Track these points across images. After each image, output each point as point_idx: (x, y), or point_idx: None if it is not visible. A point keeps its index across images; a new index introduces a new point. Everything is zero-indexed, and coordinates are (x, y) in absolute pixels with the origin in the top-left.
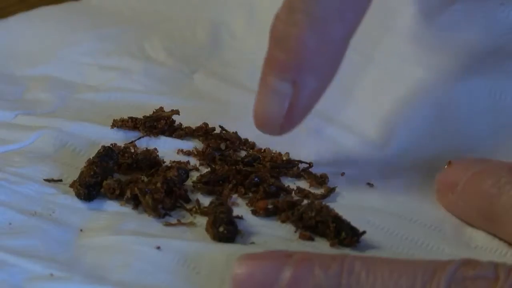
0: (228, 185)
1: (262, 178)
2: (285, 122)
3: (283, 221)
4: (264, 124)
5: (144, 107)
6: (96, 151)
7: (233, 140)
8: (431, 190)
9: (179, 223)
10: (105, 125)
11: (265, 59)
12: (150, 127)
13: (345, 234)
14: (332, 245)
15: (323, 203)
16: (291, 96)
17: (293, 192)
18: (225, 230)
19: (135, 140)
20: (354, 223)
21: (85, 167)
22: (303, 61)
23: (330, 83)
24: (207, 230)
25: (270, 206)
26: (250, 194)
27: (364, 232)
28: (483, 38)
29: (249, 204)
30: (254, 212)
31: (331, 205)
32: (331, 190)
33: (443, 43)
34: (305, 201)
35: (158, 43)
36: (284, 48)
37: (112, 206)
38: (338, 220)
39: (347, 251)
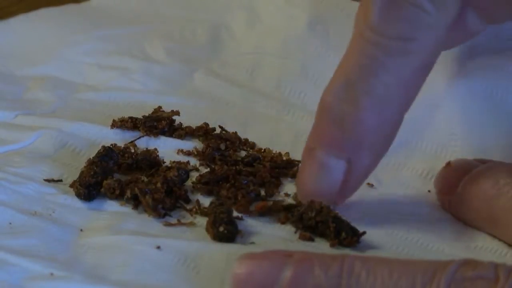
0: (227, 185)
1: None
2: (337, 197)
3: (283, 223)
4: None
5: (144, 107)
6: (96, 151)
7: (233, 140)
8: (431, 190)
9: (179, 223)
10: (105, 125)
11: (314, 133)
12: (150, 127)
13: (345, 234)
14: (332, 245)
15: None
16: (345, 173)
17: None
18: (225, 230)
19: (135, 140)
20: (354, 223)
21: (85, 167)
22: (361, 140)
23: (384, 155)
24: (207, 230)
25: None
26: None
27: (364, 233)
28: (487, 41)
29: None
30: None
31: (332, 205)
32: None
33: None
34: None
35: (158, 43)
36: (340, 126)
37: (112, 206)
38: (338, 220)
39: (347, 251)
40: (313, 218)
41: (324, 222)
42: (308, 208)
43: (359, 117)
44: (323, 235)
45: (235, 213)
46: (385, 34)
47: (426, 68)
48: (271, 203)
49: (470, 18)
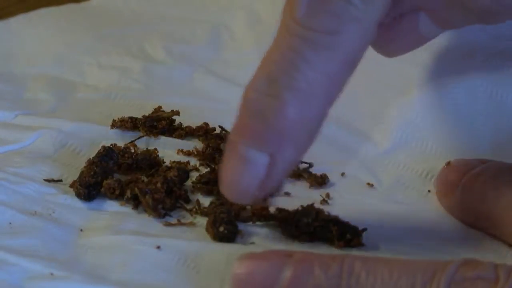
0: None
1: None
2: (258, 192)
3: (283, 233)
4: (236, 194)
5: (144, 107)
6: (96, 151)
7: None
8: (431, 190)
9: (179, 223)
10: (105, 125)
11: (236, 126)
12: (150, 127)
13: (350, 235)
14: (338, 247)
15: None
16: (267, 167)
17: None
18: (225, 229)
19: (135, 140)
20: (354, 224)
21: (85, 167)
22: (283, 135)
23: (307, 150)
24: (207, 230)
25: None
26: None
27: (365, 229)
28: (487, 41)
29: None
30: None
31: (332, 205)
32: None
33: (444, 44)
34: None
35: (158, 43)
36: (262, 120)
37: (112, 206)
38: (339, 222)
39: (348, 251)
40: (311, 224)
41: (323, 227)
42: (303, 214)
43: (282, 112)
44: (323, 239)
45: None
46: (310, 27)
47: (351, 63)
48: (267, 205)
49: (423, 22)
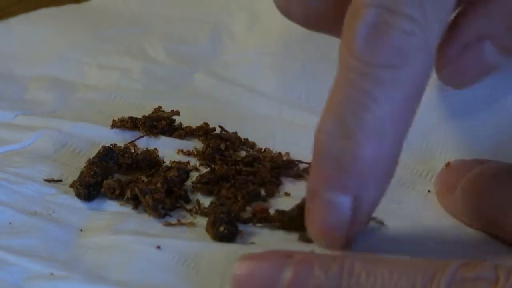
0: (226, 184)
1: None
2: (348, 233)
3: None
4: (328, 239)
5: (144, 107)
6: (96, 151)
7: (233, 140)
8: (431, 190)
9: (179, 223)
10: (105, 125)
11: (314, 174)
12: (150, 127)
13: None
14: None
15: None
16: (352, 209)
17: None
18: (225, 229)
19: (135, 140)
20: None
21: (85, 167)
22: (363, 176)
23: (389, 184)
24: (207, 230)
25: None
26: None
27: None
28: None
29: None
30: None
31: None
32: None
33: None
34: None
35: (158, 43)
36: (338, 164)
37: (112, 206)
38: None
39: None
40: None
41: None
42: (298, 210)
43: (356, 154)
44: None
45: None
46: (372, 63)
47: (419, 93)
48: (267, 206)
49: (488, 51)
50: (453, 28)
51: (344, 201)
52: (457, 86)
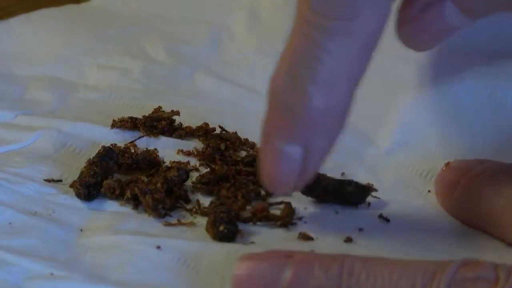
0: (226, 184)
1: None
2: (298, 181)
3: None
4: (277, 187)
5: (144, 107)
6: (96, 151)
7: (233, 140)
8: (431, 190)
9: (179, 223)
10: (105, 125)
11: (267, 121)
12: (150, 127)
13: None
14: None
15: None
16: (302, 158)
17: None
18: (225, 229)
19: (135, 140)
20: (354, 222)
21: (85, 167)
22: (313, 126)
23: (339, 136)
24: (207, 229)
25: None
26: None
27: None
28: (487, 41)
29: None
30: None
31: (330, 204)
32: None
33: (444, 43)
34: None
35: (158, 43)
36: (290, 113)
37: (112, 206)
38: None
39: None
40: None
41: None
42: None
43: (308, 104)
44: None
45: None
46: (325, 15)
47: (371, 46)
48: (267, 206)
49: (449, 11)
50: None
51: (295, 150)
52: (417, 46)
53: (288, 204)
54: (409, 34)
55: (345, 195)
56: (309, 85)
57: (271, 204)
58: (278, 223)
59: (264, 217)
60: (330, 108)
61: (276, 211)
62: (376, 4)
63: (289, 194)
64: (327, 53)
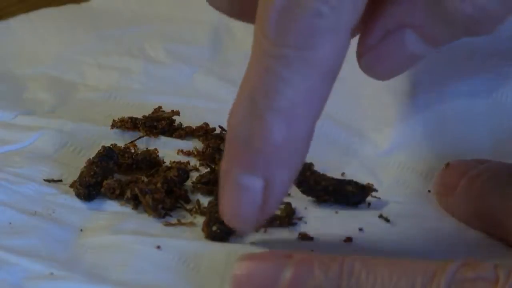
0: None
1: None
2: (260, 216)
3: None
4: (238, 222)
5: (144, 107)
6: (96, 151)
7: None
8: (431, 190)
9: (179, 223)
10: (105, 125)
11: (226, 154)
12: (150, 127)
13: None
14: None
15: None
16: (263, 191)
17: None
18: (218, 229)
19: (135, 140)
20: (353, 223)
21: (85, 167)
22: (273, 158)
23: (300, 167)
24: (203, 229)
25: None
26: None
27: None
28: (487, 41)
29: None
30: None
31: (330, 204)
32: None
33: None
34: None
35: (158, 43)
36: (249, 146)
37: (112, 206)
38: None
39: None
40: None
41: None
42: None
43: (267, 136)
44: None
45: None
46: (282, 45)
47: (331, 75)
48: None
49: (410, 39)
50: (372, 14)
51: (254, 184)
52: (378, 76)
53: (288, 204)
54: (370, 63)
55: (345, 195)
56: (268, 117)
57: None
58: (277, 222)
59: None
60: (290, 139)
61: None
62: (334, 33)
63: (251, 231)
64: (285, 83)
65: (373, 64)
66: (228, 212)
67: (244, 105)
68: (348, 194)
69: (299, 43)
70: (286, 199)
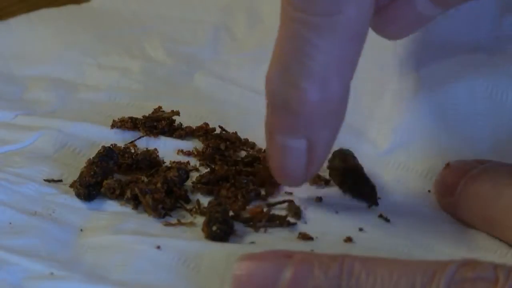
0: (226, 184)
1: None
2: (307, 172)
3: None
4: (288, 180)
5: (144, 107)
6: (96, 151)
7: (233, 140)
8: (431, 190)
9: (179, 223)
10: (105, 125)
11: (268, 118)
12: (150, 127)
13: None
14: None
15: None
16: (307, 150)
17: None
18: (218, 229)
19: (135, 140)
20: (354, 222)
21: (85, 167)
22: (312, 119)
23: (341, 125)
24: (202, 229)
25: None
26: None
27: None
28: (487, 41)
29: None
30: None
31: (332, 204)
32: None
33: (444, 44)
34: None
35: (158, 43)
36: (288, 109)
37: (112, 206)
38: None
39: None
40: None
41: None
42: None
43: (303, 99)
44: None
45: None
46: (309, 11)
47: (359, 38)
48: (264, 208)
49: (419, 1)
50: None
51: (299, 144)
52: (389, 35)
53: (292, 203)
54: (381, 24)
55: (362, 194)
56: (303, 81)
57: (272, 204)
58: (277, 222)
59: (268, 219)
60: (326, 100)
61: (277, 211)
62: None
63: (299, 185)
64: (315, 48)
65: (384, 24)
66: (277, 172)
67: (279, 71)
68: (364, 194)
69: (325, 9)
70: (287, 198)
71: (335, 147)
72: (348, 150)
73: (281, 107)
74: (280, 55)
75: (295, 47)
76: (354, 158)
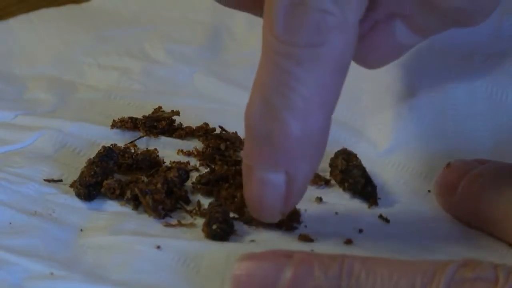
0: (226, 185)
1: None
2: (284, 207)
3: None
4: (265, 215)
5: (144, 107)
6: (96, 151)
7: (233, 140)
8: (431, 190)
9: (179, 224)
10: (105, 125)
11: (247, 151)
12: (150, 127)
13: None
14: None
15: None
16: (286, 184)
17: None
18: (218, 228)
19: (135, 140)
20: (353, 223)
21: (85, 167)
22: (292, 153)
23: (321, 159)
24: (203, 229)
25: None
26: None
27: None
28: (487, 41)
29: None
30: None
31: (332, 204)
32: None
33: (444, 44)
34: None
35: (158, 43)
36: (268, 142)
37: (112, 206)
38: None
39: (350, 250)
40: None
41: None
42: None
43: (285, 132)
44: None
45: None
46: (291, 43)
47: (342, 69)
48: None
49: (399, 29)
50: None
51: (277, 178)
52: (368, 65)
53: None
54: (360, 53)
55: (363, 193)
56: (285, 113)
57: None
58: (283, 228)
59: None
60: (308, 133)
61: None
62: (342, 29)
63: (275, 221)
64: (297, 80)
65: (363, 53)
66: (253, 205)
67: (260, 104)
68: (365, 193)
69: (309, 41)
70: None
71: (335, 147)
72: (351, 151)
73: (262, 140)
74: (261, 87)
75: (277, 79)
76: (357, 158)
